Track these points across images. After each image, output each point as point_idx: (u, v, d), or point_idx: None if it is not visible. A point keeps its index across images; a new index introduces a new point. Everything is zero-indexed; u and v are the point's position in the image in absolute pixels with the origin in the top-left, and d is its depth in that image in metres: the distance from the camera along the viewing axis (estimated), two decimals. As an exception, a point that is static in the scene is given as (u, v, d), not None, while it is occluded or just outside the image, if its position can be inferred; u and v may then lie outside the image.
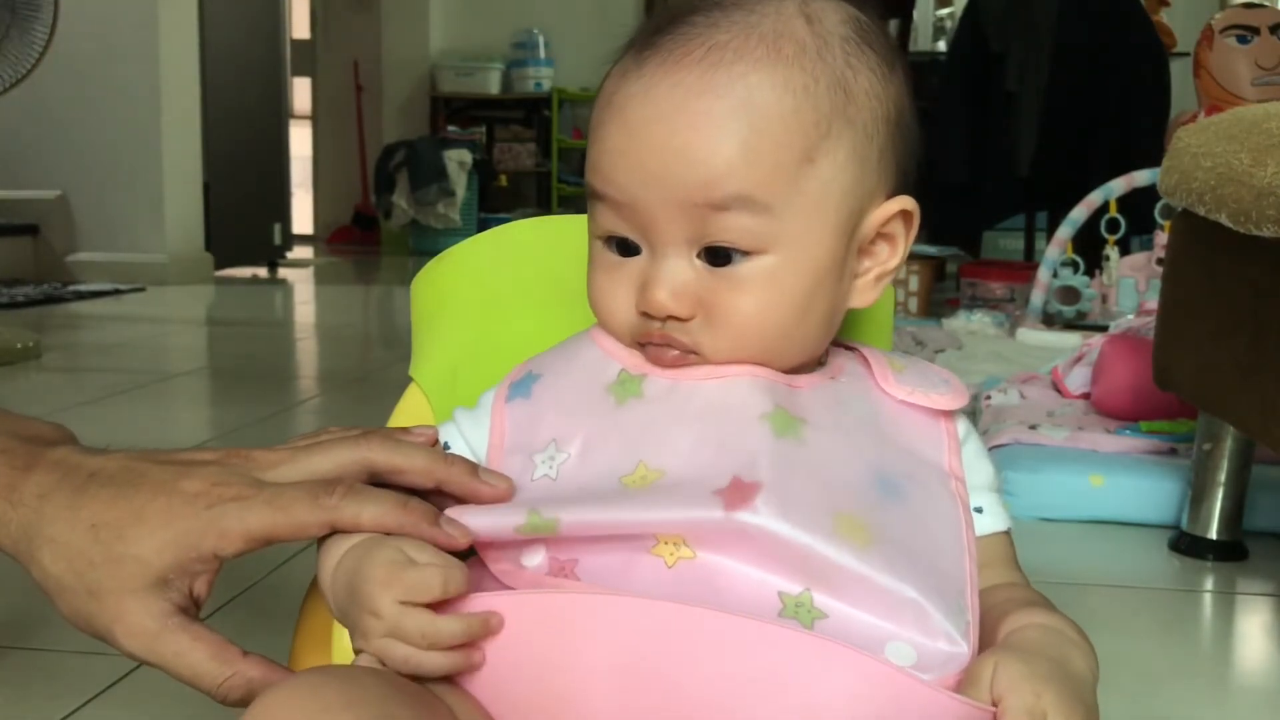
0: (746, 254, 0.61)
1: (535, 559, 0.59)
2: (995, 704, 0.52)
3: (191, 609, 0.63)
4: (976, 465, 0.65)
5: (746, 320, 0.61)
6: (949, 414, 0.65)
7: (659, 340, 0.62)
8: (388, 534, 0.60)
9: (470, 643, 0.54)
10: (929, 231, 3.98)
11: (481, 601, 0.55)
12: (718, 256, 0.61)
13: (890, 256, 0.66)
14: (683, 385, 0.62)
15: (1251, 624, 1.45)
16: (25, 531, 0.64)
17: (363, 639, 0.56)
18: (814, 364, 0.66)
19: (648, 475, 0.59)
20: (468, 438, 0.67)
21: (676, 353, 0.62)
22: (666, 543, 0.57)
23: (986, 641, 0.58)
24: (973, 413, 2.22)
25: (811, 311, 0.63)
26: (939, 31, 6.05)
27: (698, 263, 0.61)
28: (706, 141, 0.59)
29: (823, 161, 0.61)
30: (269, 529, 0.61)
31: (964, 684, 0.54)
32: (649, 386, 0.62)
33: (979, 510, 0.64)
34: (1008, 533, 0.66)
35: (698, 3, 0.63)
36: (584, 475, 0.61)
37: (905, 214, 0.65)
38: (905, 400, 0.64)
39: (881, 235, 0.65)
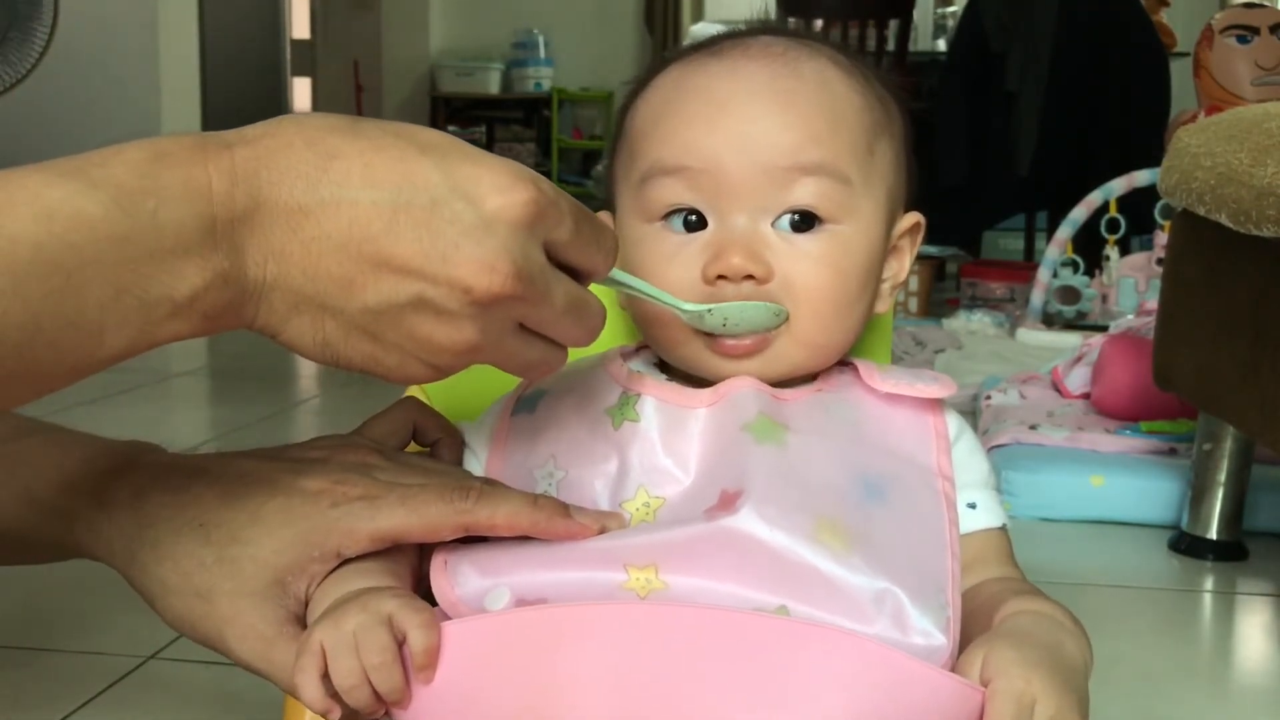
0: (823, 221, 0.64)
1: (501, 603, 0.58)
2: (985, 686, 0.52)
3: (303, 617, 0.59)
4: (970, 463, 0.66)
5: (824, 285, 0.64)
6: (938, 412, 0.66)
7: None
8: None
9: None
10: (929, 231, 3.97)
11: (463, 625, 0.54)
12: (797, 223, 0.64)
13: (900, 270, 0.71)
14: (671, 406, 0.63)
15: (1251, 624, 1.45)
16: (121, 533, 0.61)
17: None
18: (806, 379, 0.67)
19: (650, 502, 0.61)
20: (471, 444, 0.68)
21: (752, 340, 0.63)
22: (638, 576, 0.57)
23: (974, 637, 0.58)
24: (973, 413, 2.22)
25: (864, 296, 0.66)
26: (939, 30, 6.04)
27: (771, 230, 0.63)
28: (799, 111, 0.64)
29: (879, 157, 0.67)
30: (400, 530, 0.59)
31: (955, 671, 0.54)
32: (643, 407, 0.63)
33: (972, 506, 0.65)
34: (1003, 529, 0.66)
35: (746, 29, 0.69)
36: (583, 495, 0.61)
37: (916, 226, 0.71)
38: (891, 392, 0.65)
39: (893, 248, 0.69)
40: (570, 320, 0.55)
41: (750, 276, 0.62)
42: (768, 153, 0.63)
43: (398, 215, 0.50)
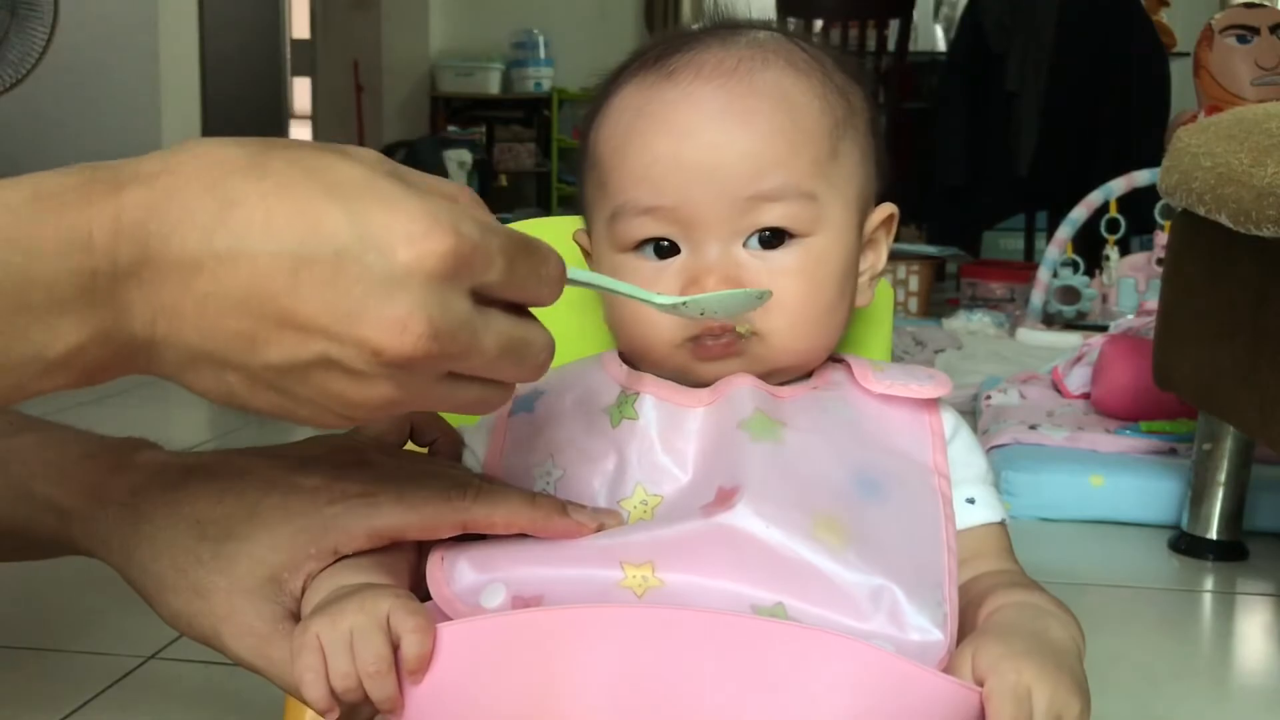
0: (794, 236, 0.64)
1: (496, 599, 0.57)
2: (979, 685, 0.52)
3: (298, 612, 0.59)
4: (967, 459, 0.66)
5: (799, 297, 0.64)
6: (934, 410, 0.66)
7: (718, 329, 0.63)
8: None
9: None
10: (929, 231, 3.97)
11: (460, 627, 0.54)
12: (768, 239, 0.64)
13: (877, 261, 0.71)
14: (669, 405, 0.63)
15: (1251, 624, 1.45)
16: (117, 530, 0.60)
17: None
18: (802, 376, 0.67)
19: (648, 500, 0.61)
20: (470, 443, 0.68)
21: (728, 340, 0.63)
22: (634, 574, 0.57)
23: (971, 629, 0.58)
24: (972, 413, 2.22)
25: (844, 297, 0.67)
26: (940, 16, 6.03)
27: (744, 251, 0.64)
28: (758, 134, 0.63)
29: (843, 158, 0.66)
30: (397, 528, 0.58)
31: (947, 673, 0.54)
32: (641, 405, 0.64)
33: (971, 502, 0.65)
34: (1002, 523, 0.66)
35: (696, 31, 0.68)
36: (581, 493, 0.62)
37: (890, 218, 0.71)
38: (885, 393, 0.65)
39: (868, 241, 0.69)
40: (508, 363, 0.51)
41: None
42: (733, 184, 0.63)
43: (299, 270, 0.45)
